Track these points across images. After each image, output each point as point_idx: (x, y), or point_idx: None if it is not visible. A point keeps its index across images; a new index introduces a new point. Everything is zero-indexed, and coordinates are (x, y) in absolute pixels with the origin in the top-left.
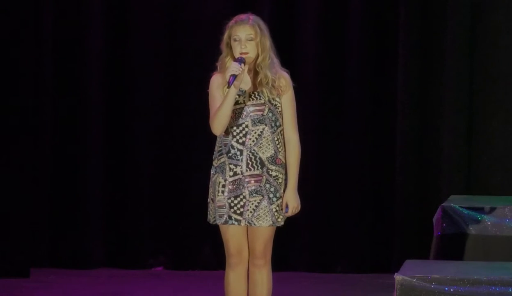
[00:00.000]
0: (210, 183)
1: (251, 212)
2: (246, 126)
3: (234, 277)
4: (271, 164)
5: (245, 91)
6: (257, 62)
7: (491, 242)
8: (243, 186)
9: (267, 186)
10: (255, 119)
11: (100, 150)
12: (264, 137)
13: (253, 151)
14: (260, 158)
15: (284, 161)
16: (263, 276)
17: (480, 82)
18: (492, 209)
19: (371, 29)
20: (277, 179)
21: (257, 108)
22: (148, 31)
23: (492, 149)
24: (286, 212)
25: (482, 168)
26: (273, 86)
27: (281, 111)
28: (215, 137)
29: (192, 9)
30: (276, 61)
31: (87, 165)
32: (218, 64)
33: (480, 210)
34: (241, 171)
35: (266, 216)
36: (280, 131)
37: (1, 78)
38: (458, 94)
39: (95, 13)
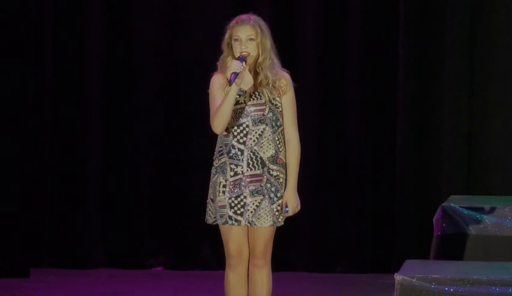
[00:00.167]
0: (211, 183)
1: (251, 212)
2: (247, 126)
3: (234, 277)
4: (272, 164)
5: (245, 91)
6: (258, 62)
7: (491, 242)
8: (244, 186)
9: (268, 185)
10: (255, 119)
11: (100, 150)
12: (265, 137)
13: (254, 151)
14: (261, 158)
15: (285, 160)
16: (263, 276)
17: (480, 82)
18: (492, 209)
19: (371, 29)
20: (278, 179)
21: (258, 108)
22: (148, 31)
23: (492, 148)
24: (286, 211)
25: (482, 168)
26: (273, 86)
27: (281, 111)
28: (215, 137)
29: (192, 9)
30: (276, 61)
31: (87, 165)
32: (219, 64)
33: (480, 210)
34: (242, 171)
35: (267, 216)
36: (281, 131)
37: (1, 78)
38: (458, 94)
39: (95, 13)
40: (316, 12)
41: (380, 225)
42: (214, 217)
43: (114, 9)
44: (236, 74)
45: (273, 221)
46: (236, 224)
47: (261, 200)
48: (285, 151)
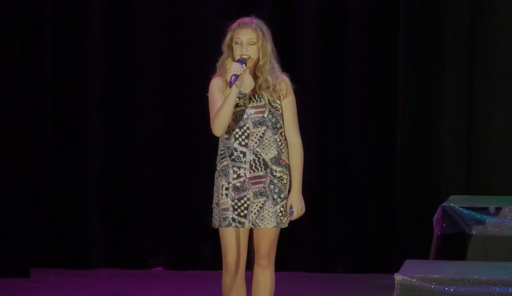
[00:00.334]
0: (215, 187)
1: (255, 213)
2: (248, 128)
3: (231, 283)
4: (275, 165)
5: (245, 94)
6: (258, 66)
7: (491, 242)
8: (247, 187)
9: (271, 187)
10: (256, 122)
11: (100, 150)
12: (266, 138)
13: (256, 152)
14: (263, 159)
15: (287, 161)
16: (266, 277)
17: (480, 82)
18: (492, 209)
19: (371, 29)
20: (282, 180)
21: (258, 110)
22: (148, 31)
23: (492, 148)
24: (291, 214)
25: (482, 168)
26: (273, 90)
27: (281, 113)
28: (215, 137)
29: (192, 9)
30: (276, 66)
31: (87, 165)
32: (218, 65)
33: (480, 210)
34: (245, 173)
35: (271, 217)
36: (282, 132)
37: (1, 78)
38: (458, 94)
39: (95, 13)
40: (316, 12)
41: (380, 225)
42: (219, 221)
43: (114, 9)
44: (236, 76)
45: (277, 222)
46: (240, 226)
47: (264, 201)
48: (287, 152)
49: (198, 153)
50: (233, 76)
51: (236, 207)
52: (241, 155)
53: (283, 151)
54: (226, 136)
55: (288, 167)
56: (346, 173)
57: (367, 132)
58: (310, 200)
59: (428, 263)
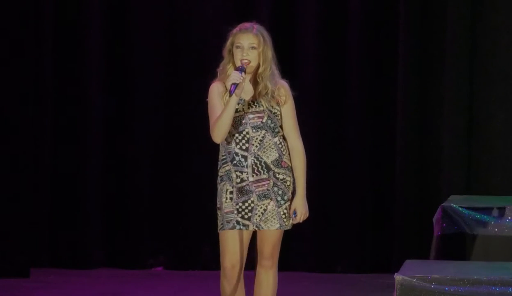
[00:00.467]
0: (218, 191)
1: (259, 216)
2: (247, 133)
3: (229, 287)
4: (277, 167)
5: (244, 100)
6: (258, 72)
7: (491, 242)
8: (250, 191)
9: (275, 189)
10: (255, 126)
11: (100, 150)
12: (266, 142)
13: (257, 156)
14: (265, 162)
15: (289, 163)
16: (269, 277)
17: (480, 82)
18: (492, 209)
19: (371, 29)
20: (285, 182)
21: (256, 115)
22: (148, 31)
23: (492, 148)
24: (294, 217)
25: (482, 168)
26: (272, 96)
27: (280, 119)
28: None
29: (192, 9)
30: (276, 72)
31: (87, 165)
32: (219, 70)
33: (480, 210)
34: (248, 177)
35: (274, 219)
36: (281, 135)
37: (1, 78)
38: (458, 94)
39: (95, 13)
40: (316, 12)
41: (380, 225)
42: (222, 224)
43: (114, 9)
44: (235, 85)
45: (280, 224)
46: (244, 228)
47: (268, 203)
48: (288, 154)
49: (198, 153)
50: (232, 85)
51: (240, 209)
52: (243, 159)
53: (284, 153)
54: (226, 141)
55: (290, 169)
56: (346, 173)
57: (367, 132)
58: (310, 200)
59: (428, 263)
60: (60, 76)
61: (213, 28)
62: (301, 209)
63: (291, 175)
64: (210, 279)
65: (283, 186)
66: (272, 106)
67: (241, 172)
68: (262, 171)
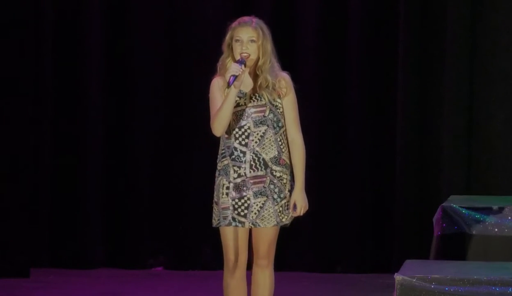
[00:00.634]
0: (215, 186)
1: (255, 213)
2: (248, 128)
3: (232, 282)
4: (275, 165)
5: (245, 93)
6: (258, 65)
7: (491, 242)
8: (247, 187)
9: (271, 186)
10: (256, 121)
11: (100, 150)
12: (266, 138)
13: (256, 152)
14: (263, 159)
15: (288, 161)
16: (266, 277)
17: (480, 82)
18: (492, 209)
19: (371, 29)
20: (282, 180)
21: (258, 109)
22: (148, 31)
23: (492, 148)
24: (294, 211)
25: (482, 168)
26: (273, 89)
27: (282, 112)
28: (215, 137)
29: (192, 9)
30: (276, 65)
31: (87, 165)
32: (219, 65)
33: (480, 210)
34: (245, 173)
35: (271, 216)
36: (283, 132)
37: (1, 78)
38: (458, 94)
39: (95, 13)
40: (316, 12)
41: (380, 225)
42: (218, 219)
43: (114, 9)
44: (235, 77)
45: (277, 221)
46: (240, 225)
47: (264, 201)
48: (287, 151)
49: (198, 153)
50: (231, 77)
51: (236, 206)
52: (241, 154)
53: (283, 150)
54: (226, 136)
55: (288, 167)
56: (346, 172)
57: (367, 132)
58: (310, 199)
59: (428, 263)
60: (60, 76)
61: (213, 28)
62: (300, 202)
63: (288, 172)
64: (210, 279)
65: (280, 184)
66: (274, 99)
67: (239, 167)
68: (259, 168)
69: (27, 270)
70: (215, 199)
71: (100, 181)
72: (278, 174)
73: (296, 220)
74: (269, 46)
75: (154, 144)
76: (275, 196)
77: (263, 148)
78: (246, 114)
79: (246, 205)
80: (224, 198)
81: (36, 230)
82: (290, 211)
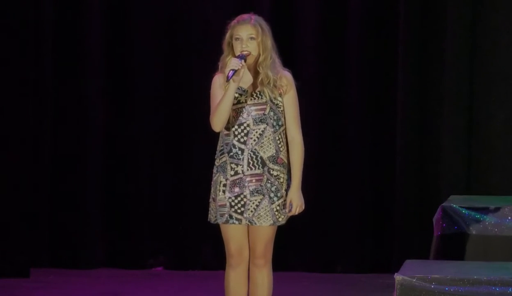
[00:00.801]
0: (212, 182)
1: (251, 211)
2: (248, 125)
3: (235, 277)
4: (272, 164)
5: (246, 90)
6: (258, 62)
7: (491, 242)
8: (244, 185)
9: (268, 185)
10: (256, 119)
11: (100, 150)
12: (265, 136)
13: (254, 150)
14: (261, 157)
15: (285, 160)
16: (264, 276)
17: (480, 82)
18: (492, 209)
19: (371, 29)
20: (279, 179)
21: (259, 107)
22: (148, 31)
23: (492, 148)
24: (290, 210)
25: (482, 168)
26: (274, 86)
27: (283, 110)
28: (215, 137)
29: (192, 9)
30: (277, 61)
31: (87, 165)
32: (220, 64)
33: (480, 210)
34: (242, 170)
35: (267, 215)
36: (282, 130)
37: (1, 78)
38: (458, 94)
39: (95, 13)
40: (316, 11)
41: (380, 225)
42: (215, 216)
43: (114, 9)
44: (234, 71)
45: (273, 221)
46: (237, 222)
47: (261, 199)
48: (286, 150)
49: (198, 153)
50: (230, 71)
51: (233, 203)
52: (239, 152)
53: (281, 149)
54: (225, 132)
55: (285, 166)
56: (346, 172)
57: (367, 132)
58: (310, 199)
59: (428, 263)
60: (60, 76)
61: (213, 28)
62: (296, 201)
63: (285, 171)
64: (210, 279)
65: (277, 183)
66: (275, 97)
67: (236, 164)
68: (257, 166)
69: (27, 270)
70: (213, 196)
71: (100, 181)
72: (275, 173)
73: (296, 219)
74: (269, 42)
75: (154, 144)
76: (272, 195)
77: (261, 146)
78: (247, 111)
79: (242, 202)
80: (221, 195)
81: (36, 230)
82: (286, 209)
